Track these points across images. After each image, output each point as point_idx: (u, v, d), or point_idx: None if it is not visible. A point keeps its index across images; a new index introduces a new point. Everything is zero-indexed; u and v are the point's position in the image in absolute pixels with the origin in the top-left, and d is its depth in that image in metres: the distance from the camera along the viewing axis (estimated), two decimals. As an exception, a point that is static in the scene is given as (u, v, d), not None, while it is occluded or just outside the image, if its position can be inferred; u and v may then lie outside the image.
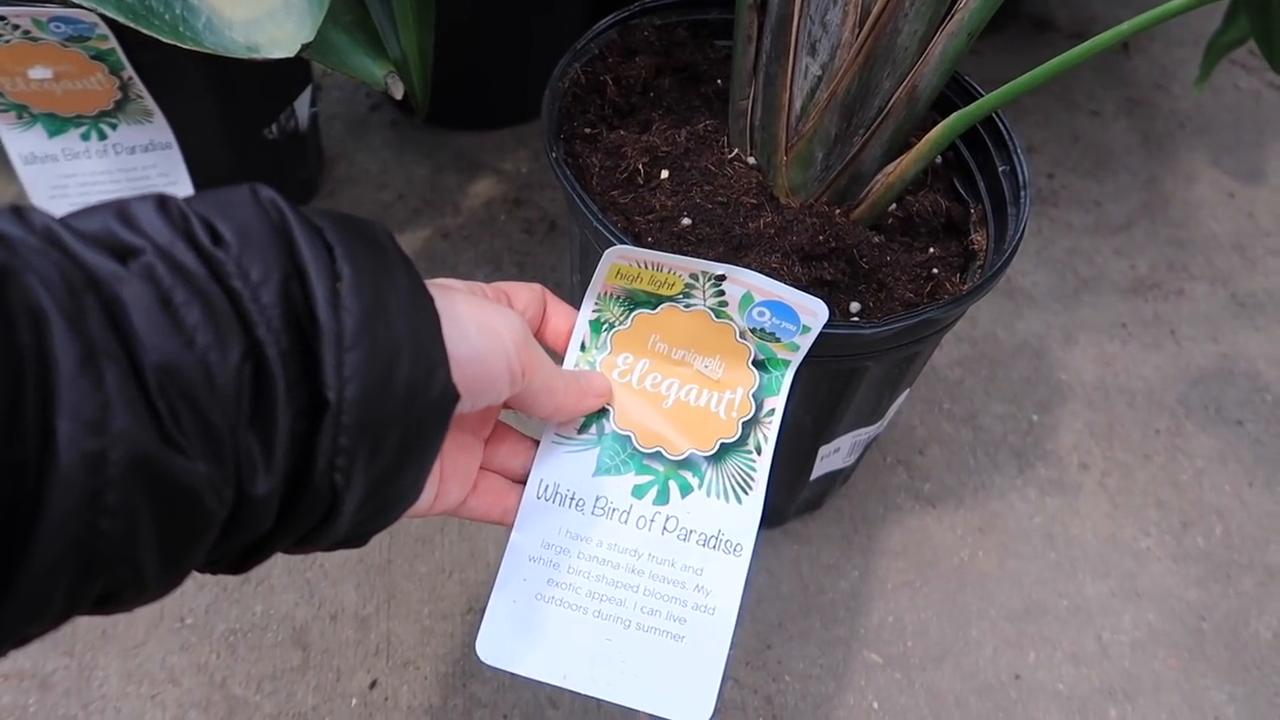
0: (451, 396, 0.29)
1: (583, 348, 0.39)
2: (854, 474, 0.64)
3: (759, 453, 0.39)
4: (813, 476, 0.56)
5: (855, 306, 0.47)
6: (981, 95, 0.49)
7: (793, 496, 0.58)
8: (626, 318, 0.40)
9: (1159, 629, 0.60)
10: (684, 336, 0.40)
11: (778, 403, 0.40)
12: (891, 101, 0.45)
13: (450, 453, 0.36)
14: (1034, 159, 0.86)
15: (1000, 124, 0.50)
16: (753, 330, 0.39)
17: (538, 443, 0.39)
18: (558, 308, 0.41)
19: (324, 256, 0.26)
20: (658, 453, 0.39)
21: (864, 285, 0.47)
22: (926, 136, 0.45)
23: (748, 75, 0.48)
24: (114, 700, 0.52)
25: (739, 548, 0.38)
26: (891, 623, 0.59)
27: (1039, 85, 0.42)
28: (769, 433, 0.39)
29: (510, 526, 0.38)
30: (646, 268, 0.38)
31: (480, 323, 0.32)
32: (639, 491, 0.38)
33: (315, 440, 0.25)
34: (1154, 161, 0.88)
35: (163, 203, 0.24)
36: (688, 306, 0.39)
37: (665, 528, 0.38)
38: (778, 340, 0.39)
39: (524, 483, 0.39)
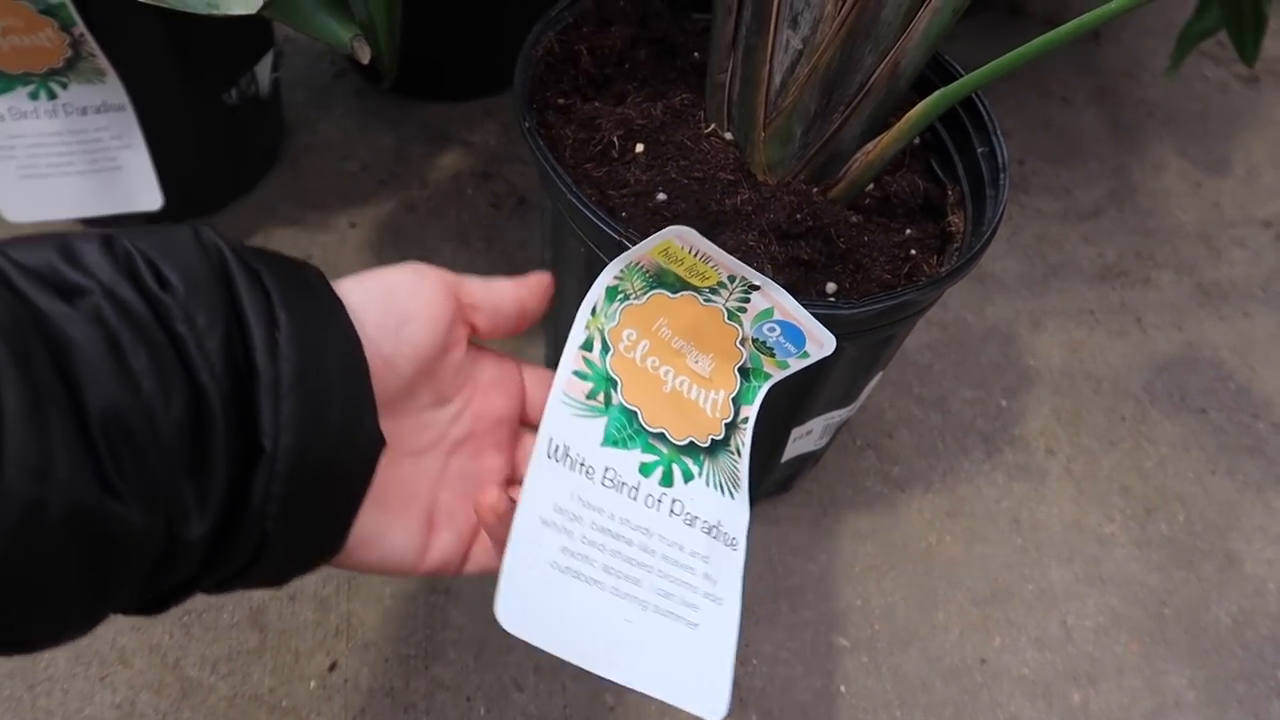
0: (377, 441, 0.29)
1: (593, 313, 0.38)
2: (823, 456, 0.64)
3: (739, 455, 0.38)
4: (784, 458, 0.55)
5: (831, 287, 0.46)
6: (963, 75, 0.48)
7: (763, 478, 0.58)
8: (644, 294, 0.38)
9: (1122, 614, 0.60)
10: (689, 328, 0.39)
11: (751, 412, 0.39)
12: (873, 78, 0.44)
13: (446, 499, 0.35)
14: (1006, 144, 0.85)
15: (980, 105, 0.49)
16: (755, 340, 0.39)
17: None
18: (534, 375, 0.39)
19: (263, 302, 0.26)
20: (662, 434, 0.37)
21: (840, 265, 0.47)
22: (907, 115, 0.45)
23: (726, 48, 0.47)
24: (61, 682, 0.51)
25: (735, 542, 0.37)
26: (859, 606, 0.59)
27: (1021, 65, 0.42)
28: (745, 439, 0.39)
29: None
30: (695, 255, 0.37)
31: (377, 277, 0.31)
32: (646, 470, 0.37)
33: (249, 486, 0.25)
34: (1123, 149, 0.88)
35: (107, 242, 0.24)
36: (706, 301, 0.38)
37: (672, 510, 0.36)
38: (772, 355, 0.39)
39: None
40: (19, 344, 0.21)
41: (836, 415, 0.53)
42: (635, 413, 0.37)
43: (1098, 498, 0.65)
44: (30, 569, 0.21)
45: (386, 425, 0.30)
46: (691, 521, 0.36)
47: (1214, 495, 0.66)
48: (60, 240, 0.24)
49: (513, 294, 0.36)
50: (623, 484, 0.36)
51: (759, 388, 0.39)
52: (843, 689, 0.55)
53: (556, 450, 0.35)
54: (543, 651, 0.31)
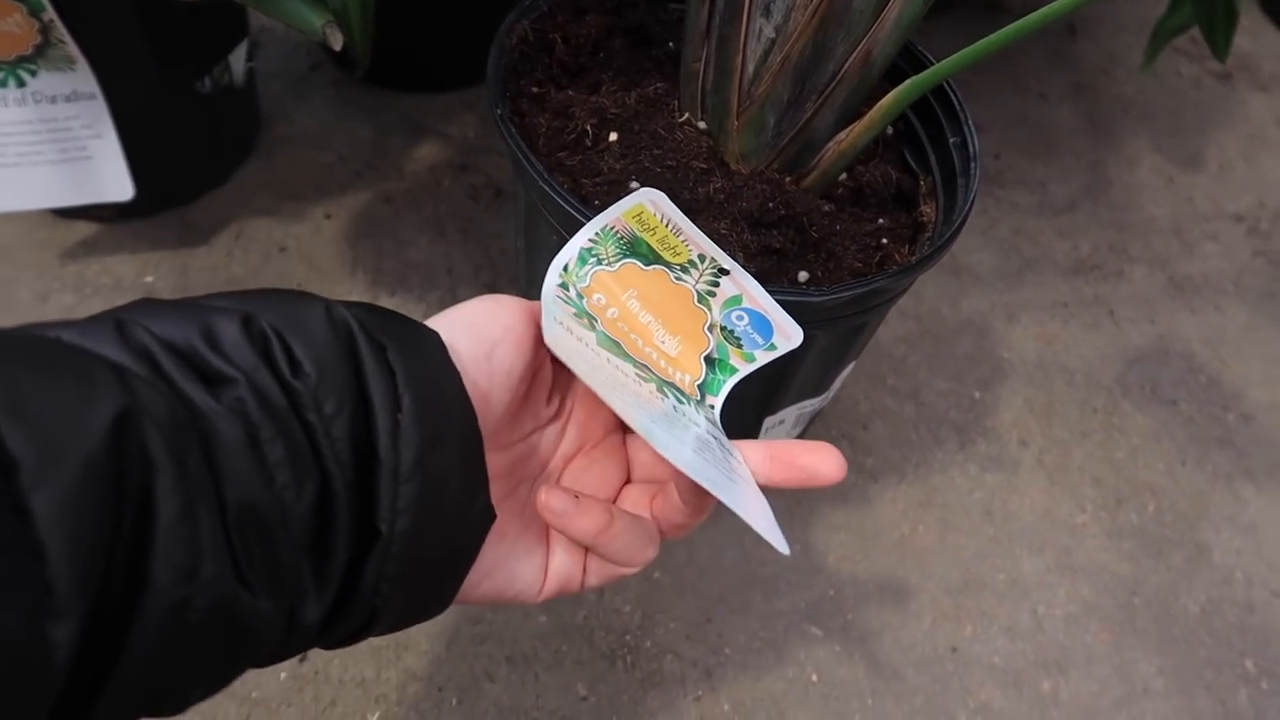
0: (489, 517, 0.29)
1: (565, 269, 0.37)
2: (798, 448, 0.64)
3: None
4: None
5: (804, 275, 0.46)
6: (934, 64, 0.49)
7: (737, 469, 0.58)
8: (616, 261, 0.38)
9: (1092, 603, 0.61)
10: (658, 305, 0.38)
11: (716, 403, 0.39)
12: (845, 67, 0.44)
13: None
14: (981, 139, 0.85)
15: (952, 95, 0.50)
16: (723, 328, 0.38)
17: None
18: None
19: (388, 383, 0.26)
20: (646, 366, 0.36)
21: (813, 254, 0.47)
22: (879, 104, 0.45)
23: (700, 36, 0.47)
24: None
25: (738, 458, 0.33)
26: (832, 596, 0.59)
27: (992, 53, 0.42)
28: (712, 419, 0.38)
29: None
30: (666, 225, 0.37)
31: (465, 311, 0.31)
32: (642, 378, 0.35)
33: (363, 568, 0.26)
34: (1098, 145, 0.89)
35: (246, 322, 0.25)
36: (677, 279, 0.38)
37: (676, 408, 0.34)
38: (740, 346, 0.38)
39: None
40: (178, 444, 0.21)
41: (809, 405, 0.53)
42: (618, 343, 0.36)
43: (1069, 488, 0.66)
44: (171, 660, 0.21)
45: (496, 459, 0.30)
46: (696, 423, 0.34)
47: (1184, 486, 0.67)
48: (200, 317, 0.24)
49: None
50: (624, 372, 0.34)
51: (724, 381, 0.39)
52: (815, 678, 0.56)
53: (560, 324, 0.34)
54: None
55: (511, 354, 0.31)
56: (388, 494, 0.25)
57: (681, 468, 0.29)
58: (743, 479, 0.33)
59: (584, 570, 0.34)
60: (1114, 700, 0.57)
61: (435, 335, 0.29)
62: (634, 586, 0.58)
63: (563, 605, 0.56)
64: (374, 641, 0.53)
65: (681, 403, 0.36)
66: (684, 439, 0.32)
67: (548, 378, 0.35)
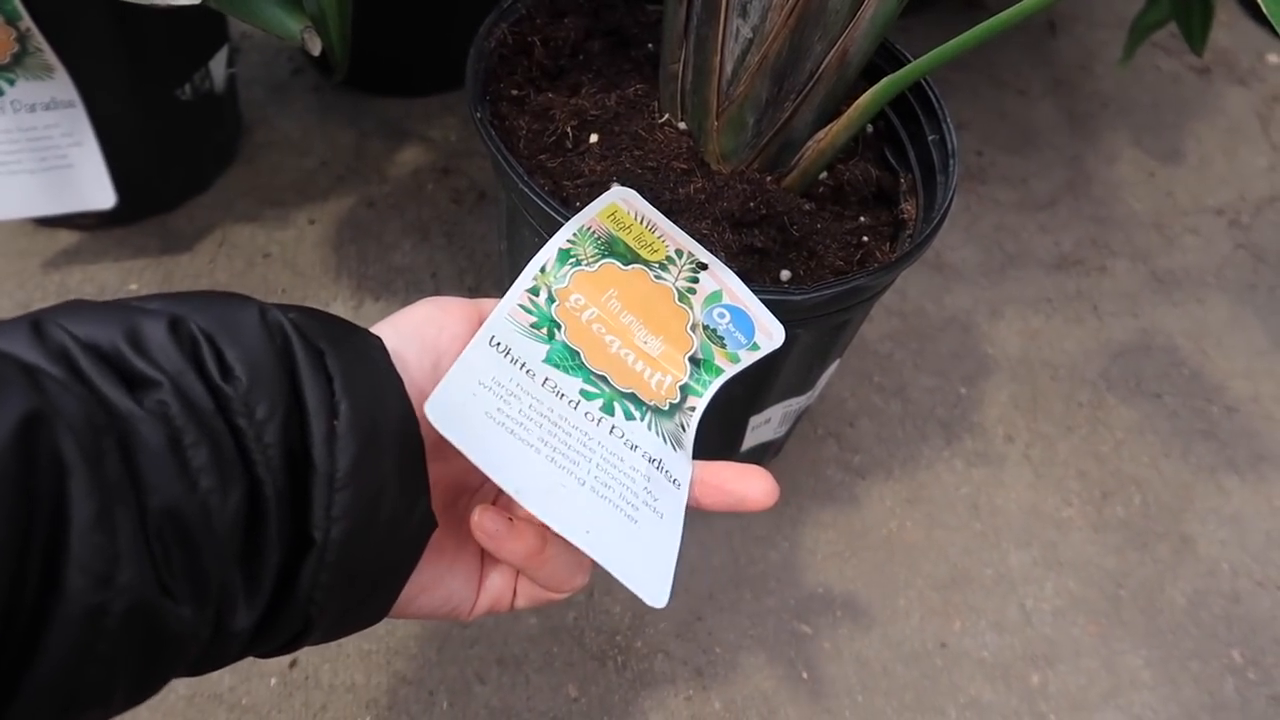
0: (429, 525, 0.28)
1: (543, 270, 0.37)
2: (785, 446, 0.64)
3: (684, 430, 0.38)
4: (744, 448, 0.56)
5: (785, 274, 0.46)
6: (911, 62, 0.49)
7: (723, 468, 0.58)
8: (596, 262, 0.38)
9: (1079, 596, 0.61)
10: (639, 304, 0.38)
11: (699, 404, 0.39)
12: (823, 66, 0.44)
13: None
14: (963, 136, 0.86)
15: (930, 93, 0.50)
16: (705, 327, 0.38)
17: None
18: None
19: (324, 389, 0.25)
20: (605, 377, 0.36)
21: (794, 253, 0.47)
22: (857, 102, 0.45)
23: (678, 38, 0.47)
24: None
25: (678, 483, 0.35)
26: (821, 593, 0.59)
27: (969, 49, 0.42)
28: (690, 423, 0.38)
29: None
30: (641, 222, 0.37)
31: (410, 313, 0.31)
32: (587, 395, 0.35)
33: (297, 575, 0.25)
34: (1078, 140, 0.90)
35: (174, 325, 0.24)
36: (657, 278, 0.38)
37: (613, 431, 0.35)
38: (723, 345, 0.38)
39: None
40: (93, 447, 0.21)
41: (795, 403, 0.53)
42: (578, 352, 0.36)
43: (1055, 482, 0.66)
44: (86, 669, 0.21)
45: (438, 469, 0.29)
46: (633, 447, 0.35)
47: (1169, 478, 0.67)
48: (127, 318, 0.24)
49: None
50: (562, 394, 0.34)
51: (710, 381, 0.39)
52: (805, 675, 0.56)
53: (498, 345, 0.34)
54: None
55: (442, 339, 0.31)
56: (322, 501, 0.25)
57: (549, 522, 0.30)
58: (654, 517, 0.33)
59: (514, 592, 0.34)
60: (1102, 692, 0.57)
61: (377, 340, 0.28)
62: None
63: (552, 607, 0.56)
64: (364, 646, 0.53)
65: (631, 417, 0.36)
66: (576, 488, 0.32)
67: None
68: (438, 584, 0.31)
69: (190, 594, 0.22)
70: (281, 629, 0.26)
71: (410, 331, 0.31)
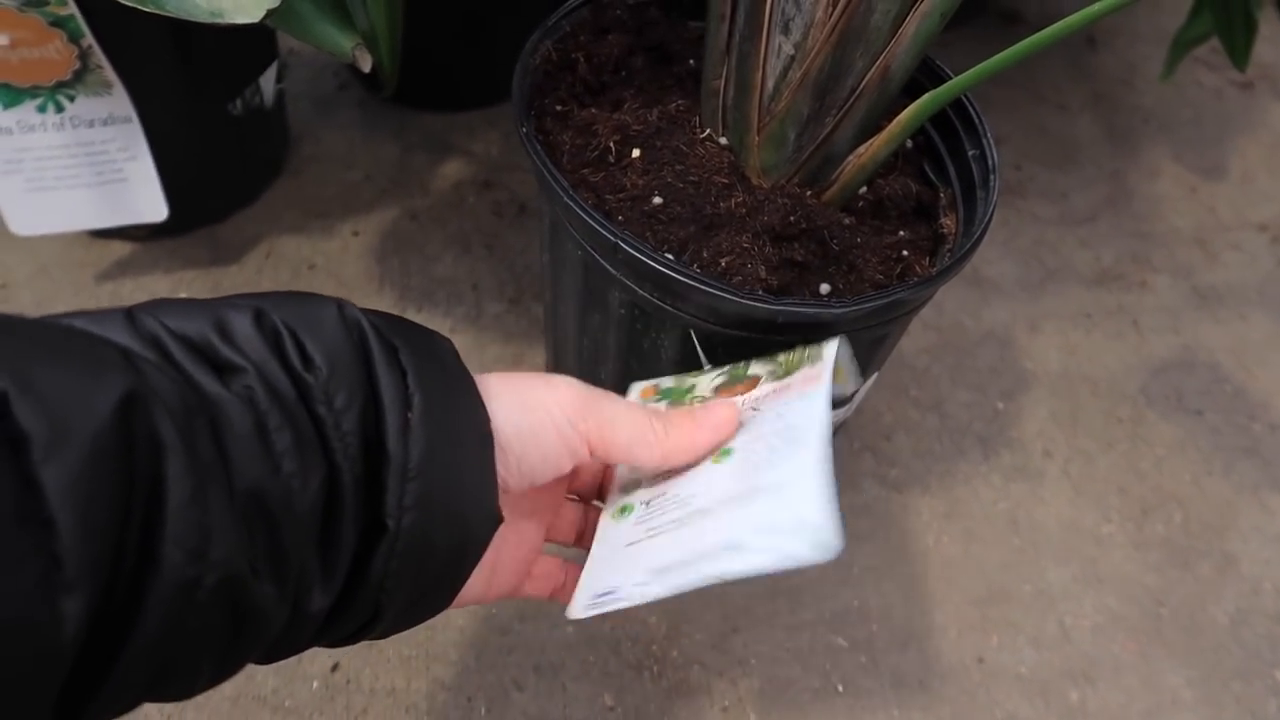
0: (495, 521, 0.30)
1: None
2: (821, 459, 0.64)
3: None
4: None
5: (825, 288, 0.47)
6: (952, 79, 0.49)
7: (760, 480, 0.58)
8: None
9: (1119, 613, 0.61)
10: None
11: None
12: (864, 82, 0.45)
13: (505, 546, 0.36)
14: (1002, 150, 0.86)
15: (970, 108, 0.50)
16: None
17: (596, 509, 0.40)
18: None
19: (399, 383, 0.27)
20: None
21: (834, 267, 0.47)
22: (898, 118, 0.45)
23: (720, 54, 0.48)
24: (67, 683, 0.51)
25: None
26: (857, 607, 0.59)
27: (1009, 66, 0.42)
28: None
29: (564, 602, 0.37)
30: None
31: (524, 399, 0.31)
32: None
33: (370, 562, 0.26)
34: (1118, 155, 0.89)
35: (258, 317, 0.25)
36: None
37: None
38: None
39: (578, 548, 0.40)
40: (188, 428, 0.22)
41: (833, 416, 0.54)
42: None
43: (1095, 498, 0.66)
44: (178, 640, 0.22)
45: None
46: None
47: (1210, 496, 0.67)
48: (213, 311, 0.25)
49: (682, 448, 0.36)
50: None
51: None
52: (840, 689, 0.56)
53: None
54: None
55: (544, 478, 0.33)
56: (395, 490, 0.26)
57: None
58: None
59: (520, 589, 0.39)
60: (1142, 711, 0.57)
61: (448, 342, 0.30)
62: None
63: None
64: (403, 651, 0.54)
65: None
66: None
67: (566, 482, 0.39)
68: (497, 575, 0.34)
69: (273, 573, 0.23)
70: (353, 615, 0.27)
71: (522, 417, 0.31)
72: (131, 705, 0.23)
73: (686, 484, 0.37)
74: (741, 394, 0.40)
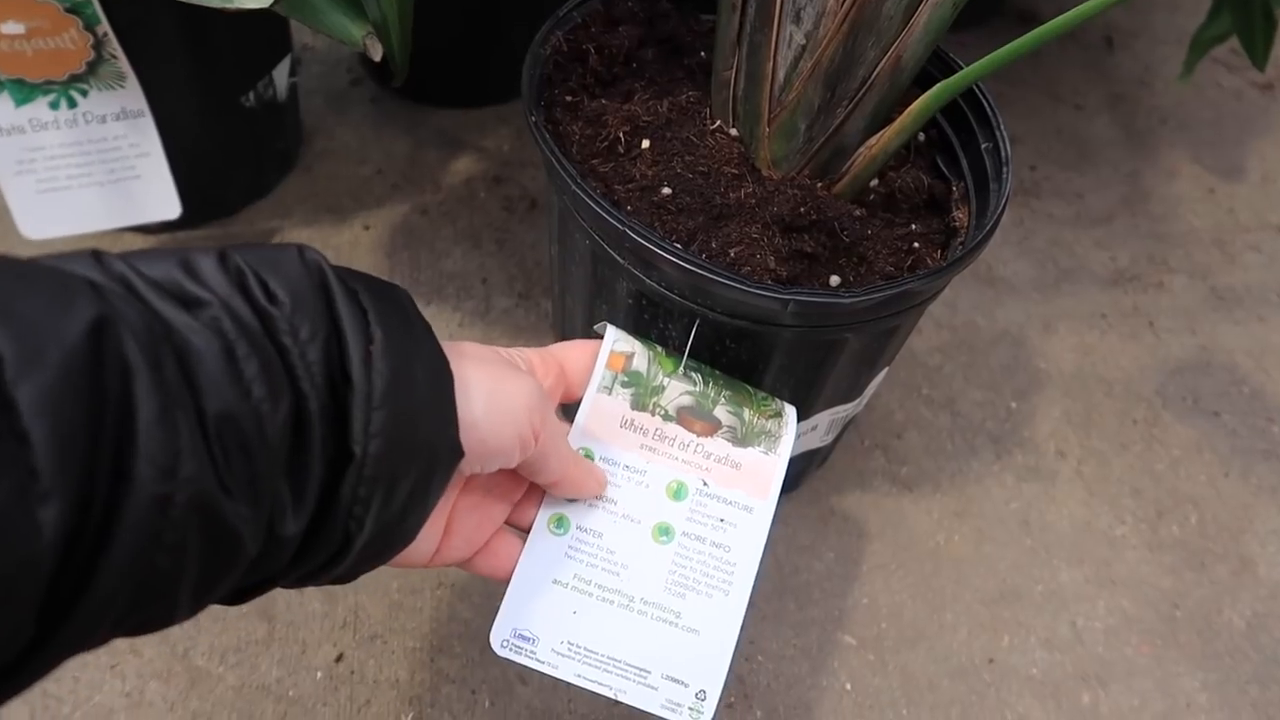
0: (457, 453, 0.31)
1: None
2: (831, 456, 0.64)
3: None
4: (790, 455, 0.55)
5: (835, 280, 0.46)
6: (964, 69, 0.49)
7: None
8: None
9: (1133, 616, 0.60)
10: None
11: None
12: (875, 72, 0.44)
13: (461, 513, 0.38)
14: (1017, 151, 0.86)
15: (984, 100, 0.50)
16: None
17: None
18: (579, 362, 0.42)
19: (360, 319, 0.28)
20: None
21: (844, 258, 0.47)
22: (909, 108, 0.45)
23: (731, 44, 0.48)
24: (72, 670, 0.51)
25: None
26: (866, 605, 0.58)
27: (1021, 55, 0.42)
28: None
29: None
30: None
31: (490, 390, 0.33)
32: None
33: (338, 489, 0.27)
34: (1135, 156, 0.88)
35: (221, 257, 0.26)
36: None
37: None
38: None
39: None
40: (153, 354, 0.23)
41: (842, 411, 0.53)
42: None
43: (1108, 500, 0.65)
44: (156, 556, 0.23)
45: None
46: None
47: (1227, 498, 0.66)
48: (180, 254, 0.26)
49: (572, 479, 0.40)
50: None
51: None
52: (848, 686, 0.55)
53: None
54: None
55: (508, 463, 0.35)
56: (361, 418, 0.27)
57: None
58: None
59: (471, 561, 0.40)
60: (1156, 715, 0.56)
61: (404, 291, 0.31)
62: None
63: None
64: (407, 643, 0.54)
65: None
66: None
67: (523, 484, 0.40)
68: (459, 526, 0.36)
69: (247, 494, 0.24)
70: (323, 544, 0.28)
71: (497, 405, 0.34)
72: (113, 628, 0.24)
73: (620, 539, 0.41)
74: (698, 435, 0.42)
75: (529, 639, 0.39)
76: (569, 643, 0.39)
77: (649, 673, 0.39)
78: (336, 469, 0.27)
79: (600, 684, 0.39)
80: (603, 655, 0.39)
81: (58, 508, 0.20)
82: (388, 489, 0.28)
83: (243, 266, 0.27)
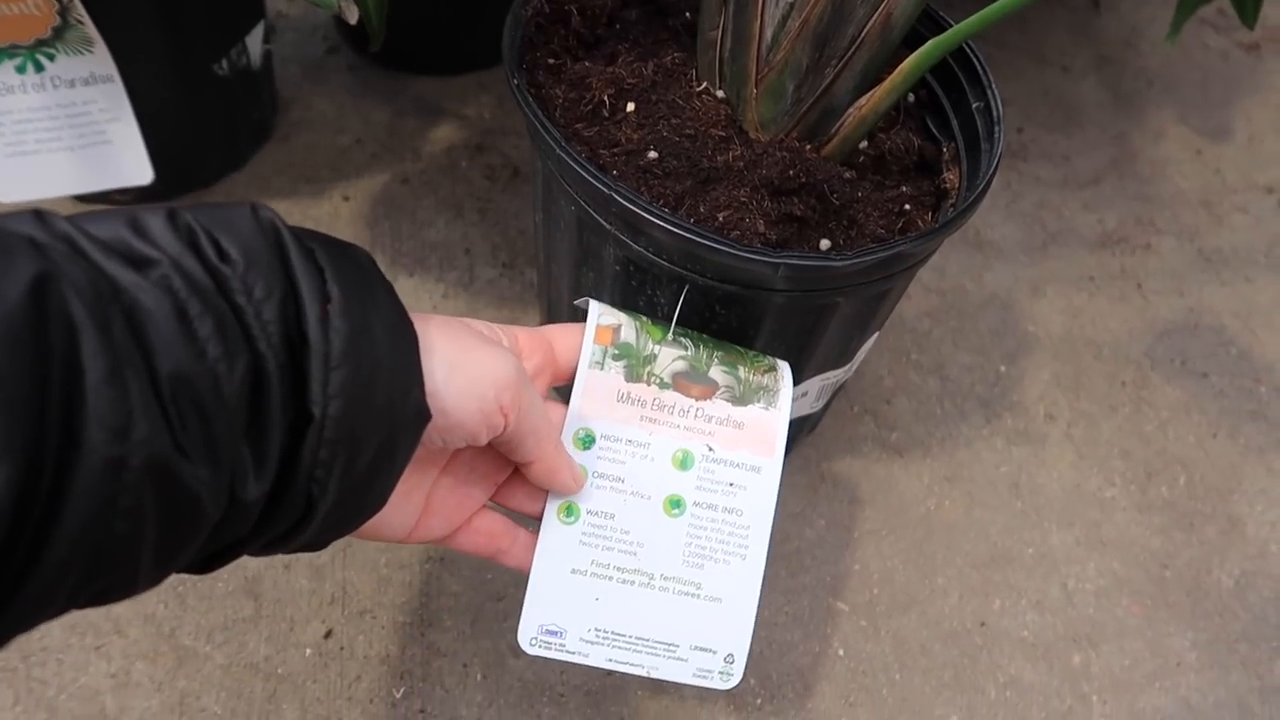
0: (424, 415, 0.30)
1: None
2: (821, 423, 0.63)
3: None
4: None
5: (825, 243, 0.46)
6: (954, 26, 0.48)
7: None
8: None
9: (1123, 577, 0.60)
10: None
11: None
12: (865, 31, 0.43)
13: (442, 490, 0.38)
14: (1005, 113, 0.85)
15: (975, 59, 0.49)
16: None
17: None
18: (567, 344, 0.41)
19: (316, 278, 0.27)
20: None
21: (834, 222, 0.46)
22: (899, 67, 0.44)
23: (718, 4, 0.46)
24: (56, 652, 0.50)
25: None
26: (858, 571, 0.58)
27: (1012, 11, 0.41)
28: None
29: (503, 565, 0.40)
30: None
31: (454, 359, 0.32)
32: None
33: (298, 451, 0.27)
34: (1123, 118, 0.88)
35: (171, 216, 0.26)
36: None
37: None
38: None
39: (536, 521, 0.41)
40: (100, 313, 0.22)
41: (832, 376, 0.53)
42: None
43: (1098, 462, 0.65)
44: (112, 521, 0.22)
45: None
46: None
47: (1215, 459, 0.66)
48: (127, 214, 0.25)
49: (549, 460, 0.38)
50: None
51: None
52: (841, 653, 0.55)
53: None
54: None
55: (472, 442, 0.34)
56: (319, 378, 0.26)
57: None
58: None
59: (450, 539, 0.39)
60: (1146, 674, 0.56)
61: (363, 250, 0.30)
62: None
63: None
64: (397, 618, 0.53)
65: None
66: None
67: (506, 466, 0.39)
68: (382, 515, 0.33)
69: (205, 456, 0.24)
70: (287, 509, 0.27)
71: (467, 387, 0.32)
72: (72, 596, 0.23)
73: (632, 518, 0.40)
74: (696, 399, 0.42)
75: (556, 632, 0.39)
76: (596, 629, 0.39)
77: (677, 646, 0.39)
78: (297, 431, 0.27)
79: (632, 665, 0.39)
80: (631, 636, 0.39)
81: (5, 472, 0.19)
82: (350, 452, 0.27)
83: (193, 225, 0.26)
